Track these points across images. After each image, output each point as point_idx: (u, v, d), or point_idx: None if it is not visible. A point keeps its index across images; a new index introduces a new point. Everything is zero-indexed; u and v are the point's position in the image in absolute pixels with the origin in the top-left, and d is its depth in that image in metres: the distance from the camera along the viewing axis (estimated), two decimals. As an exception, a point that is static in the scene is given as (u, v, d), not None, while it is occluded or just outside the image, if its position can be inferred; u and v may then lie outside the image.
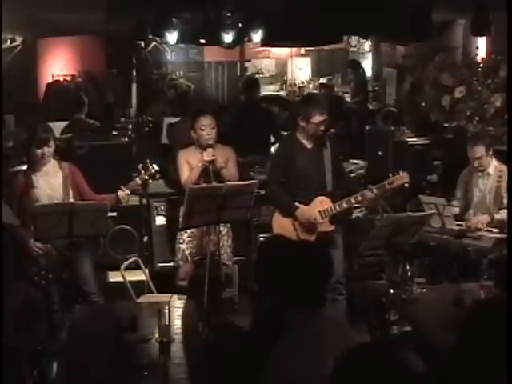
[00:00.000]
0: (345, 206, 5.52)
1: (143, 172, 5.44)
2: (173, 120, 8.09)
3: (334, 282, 5.44)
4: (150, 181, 5.60)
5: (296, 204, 5.56)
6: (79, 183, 5.43)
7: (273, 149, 8.30)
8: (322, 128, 5.53)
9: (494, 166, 6.00)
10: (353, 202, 5.52)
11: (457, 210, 6.00)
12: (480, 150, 5.91)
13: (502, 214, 5.83)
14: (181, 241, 5.96)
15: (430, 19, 8.42)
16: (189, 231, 5.85)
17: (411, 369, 2.19)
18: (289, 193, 5.61)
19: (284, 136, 7.02)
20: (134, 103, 11.59)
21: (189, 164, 5.88)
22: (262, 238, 6.68)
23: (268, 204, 6.18)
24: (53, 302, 5.21)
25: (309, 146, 5.63)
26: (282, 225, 5.65)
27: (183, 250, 5.94)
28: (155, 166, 5.47)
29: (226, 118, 8.30)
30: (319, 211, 5.53)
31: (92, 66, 11.96)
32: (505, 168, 5.95)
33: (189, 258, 5.93)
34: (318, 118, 5.48)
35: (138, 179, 5.43)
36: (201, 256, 5.87)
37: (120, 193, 5.32)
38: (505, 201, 5.85)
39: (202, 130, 5.84)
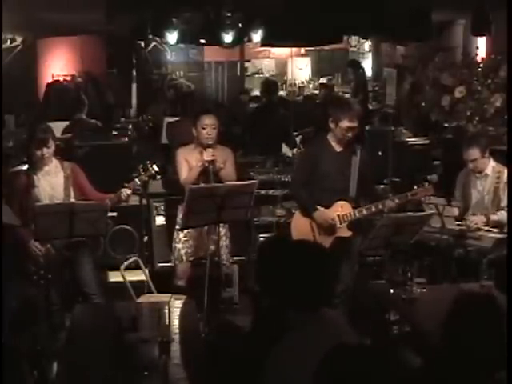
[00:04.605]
0: (365, 212, 5.49)
1: (143, 173, 5.44)
2: (172, 119, 8.09)
3: (339, 290, 5.42)
4: (150, 181, 5.58)
5: (316, 206, 5.52)
6: (81, 183, 5.42)
7: (284, 150, 8.35)
8: (350, 135, 5.48)
9: (491, 167, 5.96)
10: (373, 209, 5.48)
11: (456, 211, 5.99)
12: (474, 153, 5.87)
13: (499, 215, 5.83)
14: (177, 240, 5.93)
15: (430, 19, 8.43)
16: (185, 231, 5.83)
17: (410, 368, 2.19)
18: (311, 193, 5.57)
19: (315, 136, 7.02)
20: (134, 103, 11.59)
21: (187, 162, 5.86)
22: (262, 238, 6.69)
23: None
24: (52, 302, 5.20)
25: (338, 149, 5.58)
26: (299, 225, 5.64)
27: (179, 250, 5.92)
28: (155, 166, 5.46)
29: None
30: (338, 215, 5.49)
31: (92, 66, 11.96)
32: (503, 169, 5.91)
33: (184, 258, 5.90)
34: (346, 124, 5.44)
35: (137, 180, 5.43)
36: (196, 256, 5.87)
37: (122, 190, 5.31)
38: (502, 203, 5.83)
39: (204, 128, 5.80)
